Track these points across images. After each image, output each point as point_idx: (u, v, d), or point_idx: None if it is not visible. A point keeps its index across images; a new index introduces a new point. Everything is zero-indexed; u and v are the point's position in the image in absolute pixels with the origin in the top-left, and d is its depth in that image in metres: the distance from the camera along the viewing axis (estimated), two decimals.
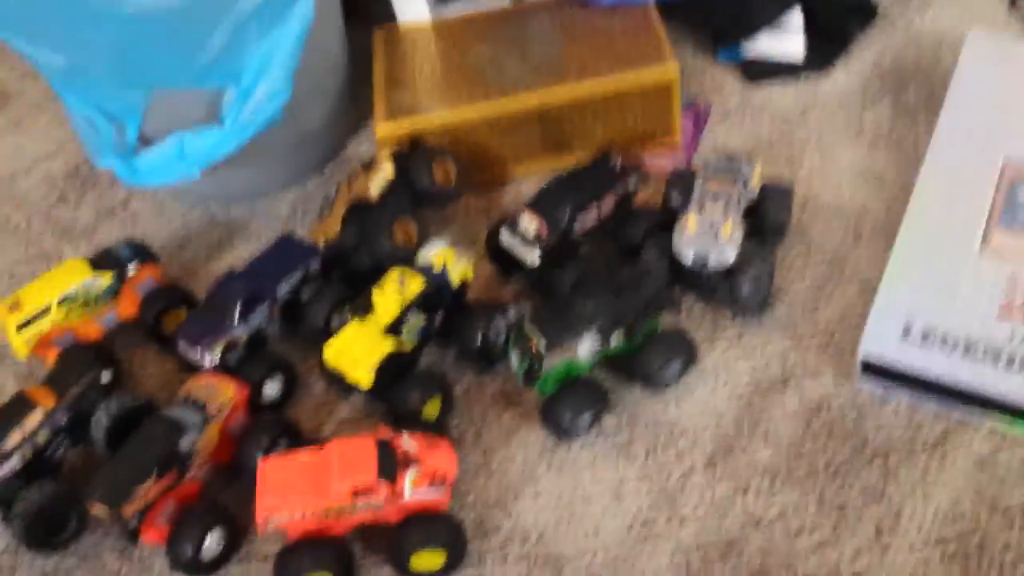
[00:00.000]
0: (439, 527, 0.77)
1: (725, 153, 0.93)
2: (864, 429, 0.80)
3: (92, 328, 0.96)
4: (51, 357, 0.94)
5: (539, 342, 0.81)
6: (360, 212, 0.97)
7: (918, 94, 1.06)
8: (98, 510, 0.79)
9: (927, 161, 0.92)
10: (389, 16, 1.14)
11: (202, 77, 0.96)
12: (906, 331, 0.81)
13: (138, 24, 0.91)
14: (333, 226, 0.96)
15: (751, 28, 1.10)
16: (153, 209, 1.13)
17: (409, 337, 0.87)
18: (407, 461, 0.77)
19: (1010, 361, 0.78)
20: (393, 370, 0.85)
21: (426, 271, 0.89)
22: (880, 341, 0.81)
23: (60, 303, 0.93)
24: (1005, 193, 0.88)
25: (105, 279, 0.95)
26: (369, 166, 1.00)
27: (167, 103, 0.98)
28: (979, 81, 0.98)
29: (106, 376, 0.90)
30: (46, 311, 0.93)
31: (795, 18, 1.10)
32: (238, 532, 0.82)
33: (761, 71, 1.11)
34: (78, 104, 1.00)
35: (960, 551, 0.72)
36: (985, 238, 0.86)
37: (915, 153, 0.99)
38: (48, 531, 0.83)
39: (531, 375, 0.82)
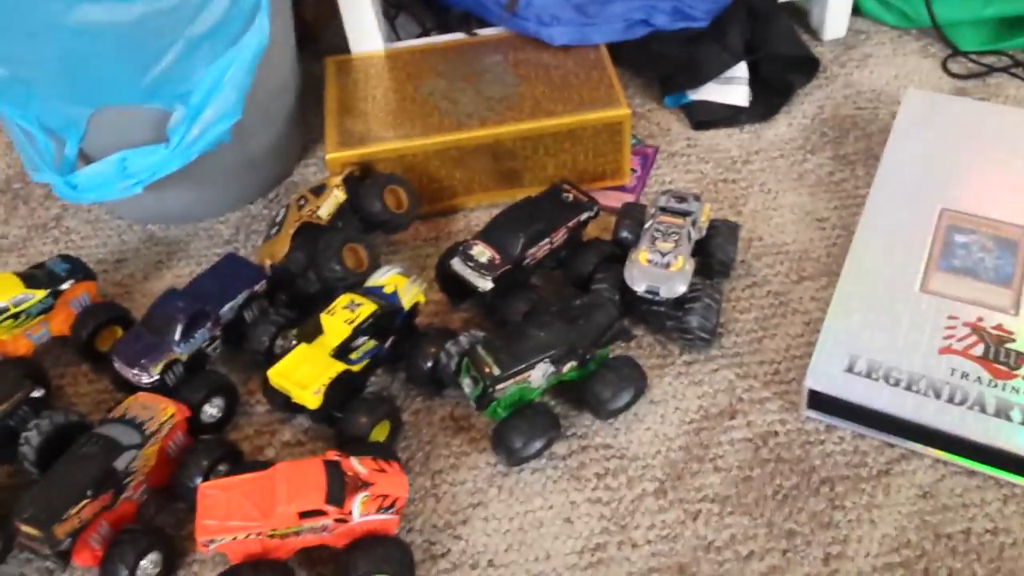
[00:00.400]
0: (387, 551, 0.75)
1: (674, 191, 0.95)
2: (811, 457, 0.81)
3: (22, 344, 0.92)
4: None
5: (493, 368, 0.80)
6: (309, 234, 0.96)
7: (856, 145, 1.10)
8: (28, 530, 0.75)
9: (868, 206, 0.95)
10: (342, 46, 1.15)
11: (150, 95, 0.95)
12: (850, 365, 0.83)
13: (86, 38, 0.89)
14: (281, 247, 0.95)
15: (699, 79, 1.13)
16: (88, 226, 1.10)
17: (358, 360, 0.86)
18: (356, 484, 0.75)
19: (950, 396, 0.80)
20: (341, 392, 0.84)
21: (377, 295, 0.88)
22: (826, 374, 0.82)
23: None
24: (943, 239, 0.92)
25: (38, 295, 0.92)
26: (319, 191, 0.99)
27: (110, 119, 0.95)
28: (916, 135, 1.02)
29: (37, 393, 0.86)
30: None
31: (741, 70, 1.14)
32: (175, 556, 0.79)
33: (706, 120, 1.13)
34: (16, 117, 0.97)
35: None
36: (924, 279, 0.89)
37: (854, 199, 1.03)
38: None
39: (483, 399, 0.82)
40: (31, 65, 0.92)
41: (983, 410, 0.79)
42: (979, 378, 0.81)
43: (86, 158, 0.98)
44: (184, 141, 0.96)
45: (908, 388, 0.81)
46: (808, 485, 0.79)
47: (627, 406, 0.85)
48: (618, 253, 0.93)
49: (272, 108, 1.07)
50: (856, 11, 1.25)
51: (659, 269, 0.88)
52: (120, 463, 0.78)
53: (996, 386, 0.80)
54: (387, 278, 0.90)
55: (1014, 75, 1.17)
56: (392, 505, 0.76)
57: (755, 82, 1.14)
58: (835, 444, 0.82)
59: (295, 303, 0.94)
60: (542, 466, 0.82)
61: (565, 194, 0.97)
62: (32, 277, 0.93)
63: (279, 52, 1.04)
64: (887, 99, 1.15)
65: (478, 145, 1.02)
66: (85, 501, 0.76)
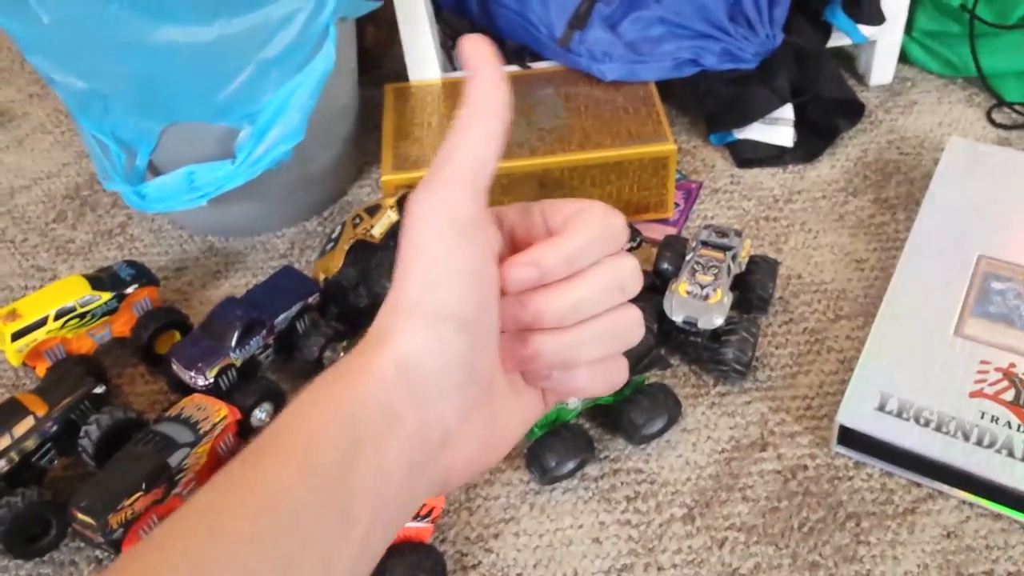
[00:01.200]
0: (422, 558, 0.78)
1: (716, 226, 0.97)
2: (839, 492, 0.83)
3: (85, 343, 0.97)
4: (41, 368, 0.95)
5: None
6: (362, 251, 1.00)
7: (898, 190, 1.12)
8: (83, 518, 0.79)
9: (907, 249, 0.97)
10: (400, 73, 1.19)
11: (221, 113, 0.99)
12: (882, 404, 0.84)
13: (163, 57, 0.94)
14: (335, 262, 0.99)
15: (745, 118, 1.16)
16: (151, 235, 1.15)
17: None
18: None
19: (979, 438, 0.81)
20: None
21: None
22: (857, 411, 0.84)
23: (57, 316, 0.94)
24: (979, 285, 0.93)
25: (104, 297, 0.96)
26: (374, 210, 1.03)
27: (181, 134, 1.00)
28: (957, 183, 1.04)
29: (99, 390, 0.91)
30: (42, 323, 0.94)
31: (787, 111, 1.17)
32: None
33: (751, 158, 1.16)
34: (93, 128, 1.02)
35: None
36: (959, 324, 0.90)
37: (893, 242, 1.05)
38: (27, 538, 0.83)
39: None
40: (110, 80, 0.97)
41: (1011, 454, 0.80)
42: (1008, 422, 0.82)
43: (155, 170, 1.03)
44: (249, 158, 1.01)
45: (938, 429, 0.82)
46: (834, 519, 0.81)
47: (660, 432, 0.88)
48: (657, 284, 0.96)
49: (332, 130, 1.12)
50: (903, 58, 1.27)
51: (698, 301, 0.91)
52: (174, 460, 0.82)
53: None
54: None
55: None
56: (429, 514, 0.79)
57: (800, 124, 1.17)
58: (863, 481, 0.84)
59: (345, 317, 0.98)
60: (574, 486, 0.85)
61: None
62: (99, 280, 0.98)
63: (341, 77, 1.09)
64: (930, 146, 1.17)
65: (527, 174, 1.06)
66: (139, 494, 0.80)
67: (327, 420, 0.36)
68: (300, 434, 0.36)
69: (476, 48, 0.38)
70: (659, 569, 0.79)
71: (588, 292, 0.39)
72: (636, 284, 0.41)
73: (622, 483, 0.85)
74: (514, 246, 0.41)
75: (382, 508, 0.36)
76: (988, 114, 1.21)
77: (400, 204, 1.03)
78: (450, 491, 0.42)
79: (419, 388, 0.37)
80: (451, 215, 0.37)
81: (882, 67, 1.25)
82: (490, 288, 0.38)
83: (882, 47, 1.23)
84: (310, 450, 0.35)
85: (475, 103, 0.38)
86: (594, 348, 0.40)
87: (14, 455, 0.84)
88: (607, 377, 0.41)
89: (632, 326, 0.41)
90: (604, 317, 0.40)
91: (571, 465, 0.85)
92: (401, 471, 0.36)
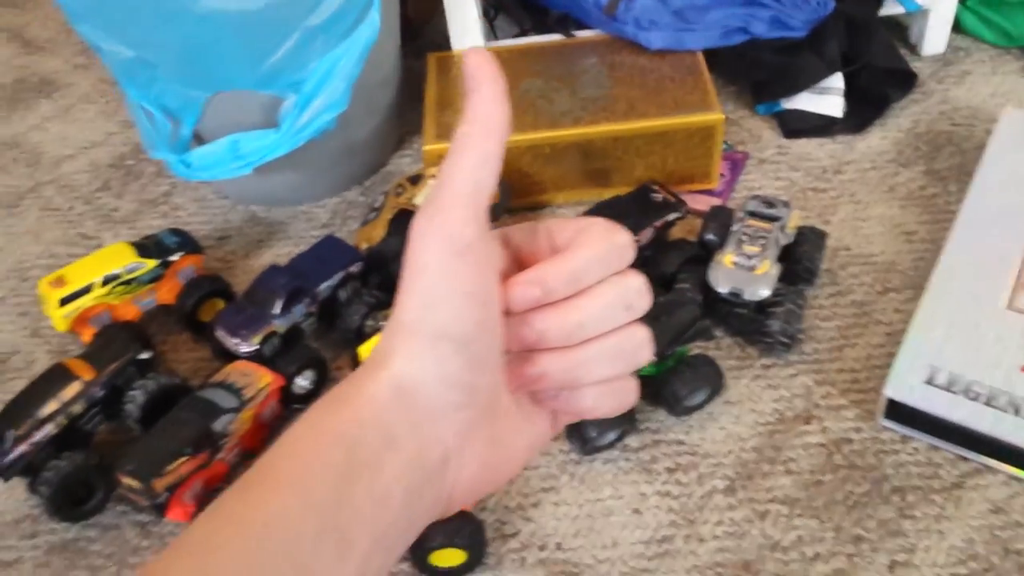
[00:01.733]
0: (462, 525, 0.78)
1: (764, 196, 0.96)
2: (884, 466, 0.82)
3: (130, 310, 0.98)
4: (87, 335, 0.96)
5: None
6: (405, 221, 0.99)
7: (950, 161, 1.09)
8: (129, 482, 0.81)
9: (958, 221, 0.95)
10: (442, 43, 1.19)
11: (266, 82, 1.00)
12: (931, 377, 0.83)
13: (210, 25, 0.94)
14: (378, 232, 0.99)
15: (794, 88, 1.14)
16: (195, 203, 1.16)
17: None
18: None
19: None
20: None
21: None
22: (905, 384, 0.83)
23: (104, 283, 0.95)
24: None
25: (149, 264, 0.97)
26: (416, 180, 1.03)
27: (226, 102, 1.01)
28: (1011, 154, 1.01)
29: (145, 355, 0.92)
30: (88, 289, 0.95)
31: (836, 81, 1.14)
32: None
33: (799, 128, 1.14)
34: (139, 97, 1.03)
35: None
36: (1012, 297, 0.88)
37: (944, 214, 1.03)
38: (73, 500, 0.84)
39: None
40: (156, 49, 0.98)
41: None
42: None
43: (200, 139, 1.04)
44: (294, 127, 1.01)
45: (987, 403, 0.81)
46: (879, 493, 0.80)
47: (702, 404, 0.87)
48: (702, 255, 0.95)
49: (375, 100, 1.11)
50: (956, 28, 1.24)
51: (744, 272, 0.90)
52: (218, 425, 0.83)
53: None
54: None
55: None
56: None
57: (850, 94, 1.14)
58: (909, 455, 0.83)
59: (387, 286, 0.98)
60: (614, 457, 0.85)
61: (654, 194, 0.99)
62: (144, 247, 0.99)
63: (385, 46, 1.09)
64: (983, 117, 1.14)
65: (570, 144, 1.05)
66: (184, 458, 0.81)
67: (323, 444, 0.36)
68: (295, 459, 0.36)
69: (478, 62, 0.37)
70: (700, 540, 0.79)
71: (593, 311, 0.38)
72: (643, 302, 0.40)
73: (663, 454, 0.85)
74: (519, 265, 0.40)
75: (381, 532, 0.35)
76: None
77: None
78: (454, 512, 0.41)
79: (417, 409, 0.37)
80: (450, 237, 0.36)
81: (935, 36, 1.22)
82: (492, 308, 0.37)
83: (935, 16, 1.20)
84: (306, 475, 0.35)
85: (473, 121, 0.37)
86: (601, 368, 0.39)
87: (62, 419, 0.85)
88: (615, 398, 0.41)
89: (639, 346, 0.40)
90: (610, 336, 0.39)
91: (612, 436, 0.84)
92: (400, 494, 0.36)
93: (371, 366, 0.37)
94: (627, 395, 0.41)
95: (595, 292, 0.39)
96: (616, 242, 0.39)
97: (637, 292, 0.39)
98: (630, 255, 0.40)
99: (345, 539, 0.34)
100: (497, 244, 0.40)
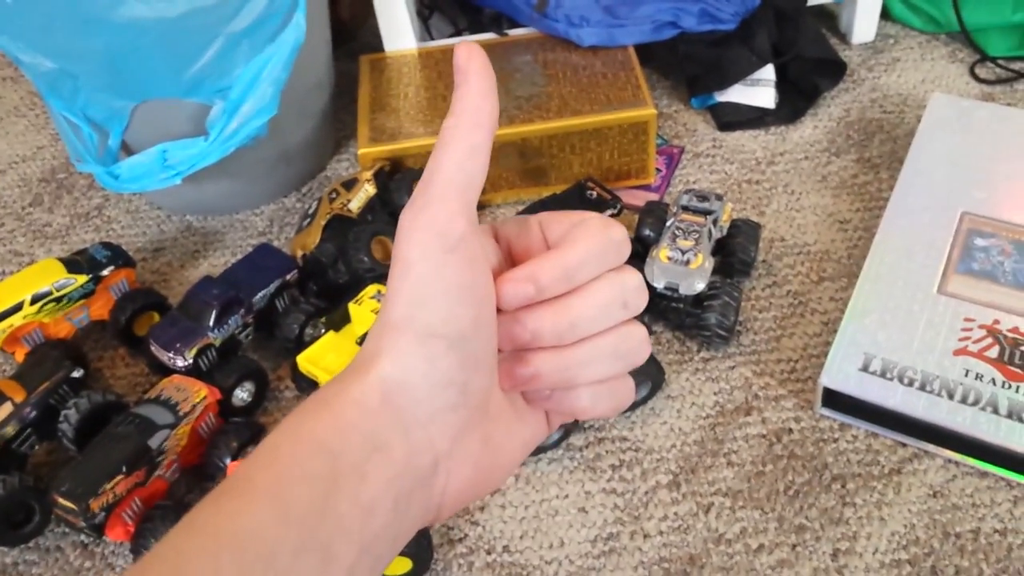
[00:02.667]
0: None
1: (697, 190, 0.96)
2: (824, 455, 0.82)
3: (63, 327, 0.96)
4: (20, 354, 0.94)
5: None
6: (339, 227, 0.98)
7: (881, 148, 1.11)
8: (64, 503, 0.79)
9: (889, 208, 0.97)
10: (377, 45, 1.17)
11: (192, 89, 0.98)
12: (865, 365, 0.84)
13: (130, 33, 0.92)
14: (312, 238, 0.98)
15: (726, 81, 1.15)
16: (129, 216, 1.14)
17: None
18: None
19: (964, 396, 0.81)
20: None
21: None
22: (840, 373, 0.84)
23: (33, 301, 0.93)
24: (962, 242, 0.93)
25: (80, 280, 0.95)
26: (350, 184, 1.02)
27: (152, 112, 0.99)
28: (940, 139, 1.03)
29: (77, 373, 0.90)
30: (18, 308, 0.93)
31: (768, 72, 1.15)
32: None
33: (732, 121, 1.15)
34: (63, 109, 1.01)
35: (914, 574, 0.74)
36: (943, 282, 0.90)
37: (876, 202, 1.04)
38: (11, 524, 0.82)
39: None
40: (78, 59, 0.96)
41: (996, 411, 0.80)
42: (993, 380, 0.82)
43: (128, 150, 1.02)
44: (222, 135, 0.99)
45: (922, 388, 0.82)
46: (820, 482, 0.81)
47: (644, 400, 0.87)
48: (639, 251, 0.95)
49: (307, 104, 1.10)
50: (885, 15, 1.26)
51: (679, 266, 0.90)
52: (154, 442, 0.81)
53: (1010, 388, 0.81)
54: None
55: None
56: None
57: (782, 85, 1.15)
58: (848, 442, 0.83)
59: (325, 293, 0.97)
60: (559, 457, 0.85)
61: (589, 191, 0.99)
62: (74, 263, 0.96)
63: (314, 50, 1.07)
64: (914, 103, 1.16)
65: (506, 143, 1.04)
66: (119, 477, 0.79)
67: (303, 453, 0.34)
68: (272, 470, 0.34)
69: (469, 55, 0.36)
70: (645, 536, 0.79)
71: (588, 309, 0.37)
72: (640, 300, 0.39)
73: (607, 452, 0.85)
74: (512, 260, 0.39)
75: (368, 542, 0.34)
76: (971, 69, 1.20)
77: (377, 177, 1.02)
78: (444, 519, 0.40)
79: (407, 411, 0.35)
80: (438, 232, 0.35)
81: (864, 25, 1.24)
82: (484, 305, 0.36)
83: (863, 4, 1.21)
84: (283, 487, 0.33)
85: (460, 113, 0.36)
86: (596, 368, 0.38)
87: None
88: (612, 398, 0.40)
89: (637, 345, 0.39)
90: (607, 335, 0.38)
91: (556, 436, 0.84)
92: (387, 502, 0.34)
93: (356, 368, 0.36)
94: (624, 395, 0.40)
95: (590, 289, 0.37)
96: (612, 237, 0.38)
97: (634, 290, 0.39)
98: (626, 251, 0.39)
99: (328, 552, 0.33)
100: (489, 238, 0.39)
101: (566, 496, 0.82)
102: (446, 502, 0.37)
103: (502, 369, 0.38)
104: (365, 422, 0.35)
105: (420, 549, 0.77)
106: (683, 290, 0.89)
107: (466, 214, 0.36)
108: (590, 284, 0.38)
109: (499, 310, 0.37)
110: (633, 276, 0.39)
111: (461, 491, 0.38)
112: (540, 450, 0.84)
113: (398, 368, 0.35)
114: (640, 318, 0.87)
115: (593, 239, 0.38)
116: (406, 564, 0.77)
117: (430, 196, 0.36)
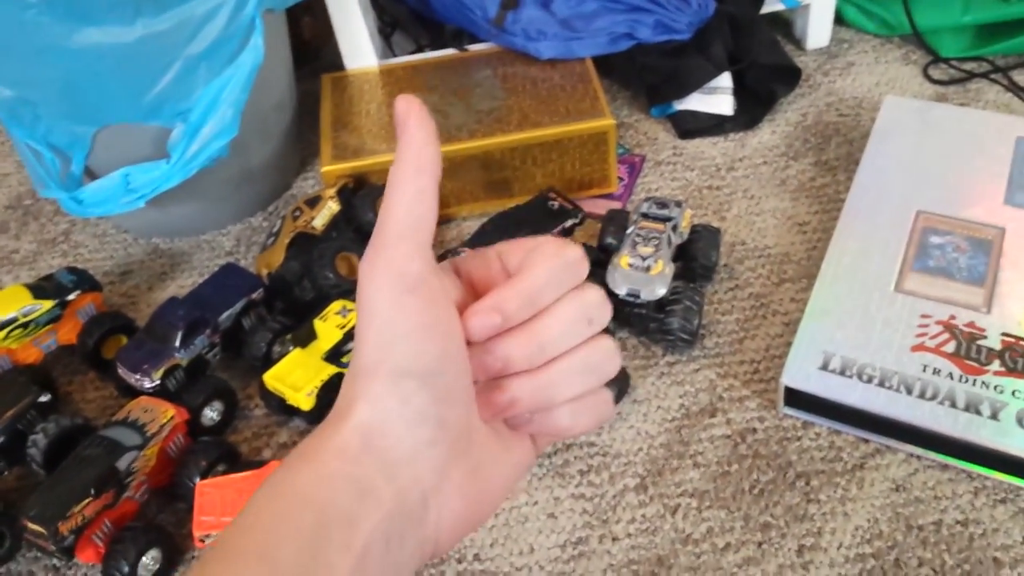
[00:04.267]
0: None
1: (656, 198, 0.98)
2: (788, 453, 0.84)
3: (31, 352, 0.96)
4: None
5: None
6: (304, 244, 0.99)
7: (838, 151, 1.12)
8: (33, 527, 0.79)
9: (846, 209, 0.98)
10: (337, 64, 1.18)
11: (151, 113, 0.98)
12: (825, 363, 0.85)
13: (87, 59, 0.93)
14: (277, 257, 0.99)
15: (684, 89, 1.16)
16: (96, 240, 1.14)
17: (349, 363, 0.89)
18: None
19: (922, 391, 0.82)
20: (333, 394, 0.86)
21: None
22: (801, 372, 0.85)
23: None
24: (918, 240, 0.94)
25: (46, 305, 0.95)
26: (314, 202, 1.02)
27: (113, 136, 0.99)
28: (894, 140, 1.05)
29: (44, 398, 0.90)
30: None
31: (725, 80, 1.17)
32: (175, 553, 0.82)
33: (692, 129, 1.16)
34: (24, 136, 1.01)
35: (878, 567, 0.76)
36: (899, 280, 0.91)
37: (835, 203, 1.06)
38: None
39: None
40: (36, 86, 0.96)
41: (954, 405, 0.81)
42: (951, 374, 0.83)
43: (91, 174, 1.02)
44: (184, 157, 1.00)
45: (881, 384, 0.83)
46: (784, 480, 0.82)
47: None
48: (602, 259, 0.96)
49: (270, 124, 1.11)
50: (839, 20, 1.28)
51: (640, 273, 0.91)
52: (122, 463, 0.82)
53: (967, 382, 0.82)
54: None
55: (994, 80, 1.19)
56: None
57: (739, 92, 1.17)
58: (811, 440, 0.85)
59: (291, 310, 0.98)
60: None
61: (551, 202, 1.00)
62: (40, 288, 0.97)
63: (275, 70, 1.08)
64: (869, 106, 1.18)
65: (468, 157, 1.05)
66: (88, 500, 0.79)
67: (289, 508, 0.34)
68: (258, 530, 0.34)
69: (408, 108, 0.38)
70: (614, 540, 0.79)
71: (554, 329, 0.38)
72: (604, 314, 0.40)
73: (575, 457, 0.85)
74: (475, 293, 0.40)
75: None
76: (925, 71, 1.22)
77: (340, 194, 1.03)
78: (445, 553, 0.41)
79: (389, 451, 0.36)
80: (396, 274, 0.36)
81: (818, 30, 1.26)
82: (450, 339, 0.37)
83: (817, 10, 1.24)
84: (270, 547, 0.33)
85: (403, 161, 0.37)
86: (571, 385, 0.39)
87: None
88: (592, 412, 0.40)
89: (606, 357, 0.40)
90: (576, 352, 0.39)
91: None
92: (379, 544, 0.35)
93: (334, 419, 0.37)
94: (604, 408, 0.41)
95: (554, 311, 0.38)
96: (567, 258, 0.39)
97: (596, 305, 0.39)
98: (584, 269, 0.40)
99: None
100: (450, 275, 0.40)
101: (535, 503, 0.83)
102: (442, 536, 0.38)
103: (480, 399, 0.39)
104: (349, 468, 0.35)
105: None
106: (645, 296, 0.90)
107: (421, 253, 0.37)
108: (553, 306, 0.39)
109: (469, 343, 0.38)
110: (594, 292, 0.40)
111: (455, 523, 0.38)
112: None
113: (374, 411, 0.36)
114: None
115: (550, 262, 0.39)
116: None
117: (385, 240, 0.37)
